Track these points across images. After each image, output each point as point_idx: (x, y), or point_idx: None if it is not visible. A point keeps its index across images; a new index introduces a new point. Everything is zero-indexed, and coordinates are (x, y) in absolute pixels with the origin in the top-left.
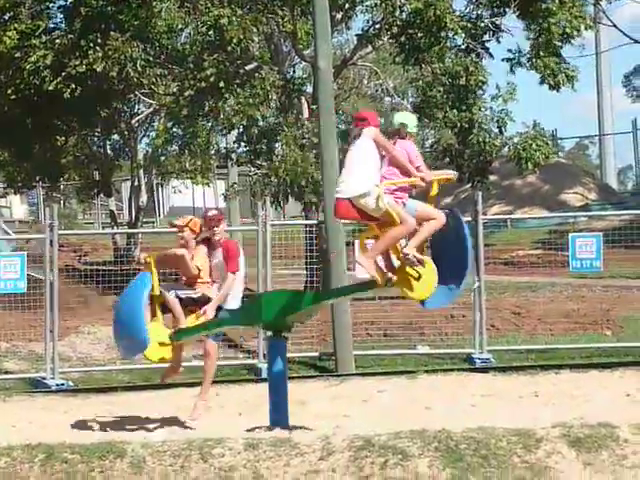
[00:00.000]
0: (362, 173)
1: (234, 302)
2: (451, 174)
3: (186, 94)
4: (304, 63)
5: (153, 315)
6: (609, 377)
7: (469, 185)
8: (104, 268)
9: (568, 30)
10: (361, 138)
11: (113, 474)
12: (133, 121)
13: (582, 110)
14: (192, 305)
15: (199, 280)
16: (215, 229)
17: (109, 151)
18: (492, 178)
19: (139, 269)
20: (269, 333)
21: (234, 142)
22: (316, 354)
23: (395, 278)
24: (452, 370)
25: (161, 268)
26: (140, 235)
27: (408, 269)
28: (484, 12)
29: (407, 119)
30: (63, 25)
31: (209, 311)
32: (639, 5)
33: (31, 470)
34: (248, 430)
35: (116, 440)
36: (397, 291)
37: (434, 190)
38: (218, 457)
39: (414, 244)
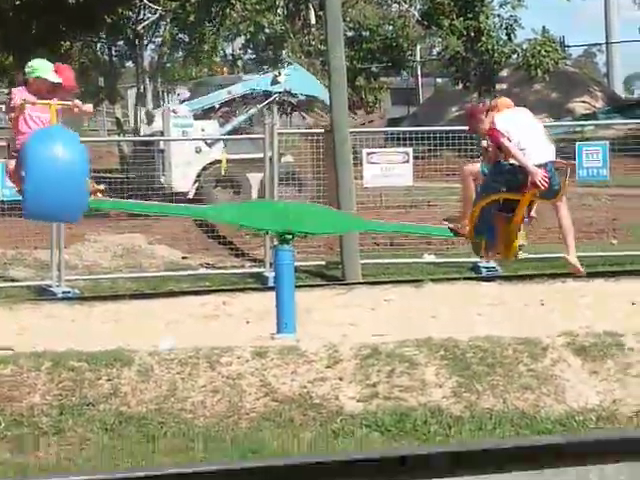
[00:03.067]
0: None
1: None
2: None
3: (192, 0)
4: None
5: None
6: (614, 286)
7: (476, 94)
8: (110, 176)
9: None
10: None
11: (120, 382)
12: (139, 27)
13: (590, 17)
14: None
15: None
16: None
17: (114, 57)
18: (500, 87)
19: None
20: (276, 241)
21: (240, 49)
22: (323, 263)
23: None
24: (458, 279)
25: None
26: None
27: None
28: None
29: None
30: None
31: None
32: None
33: (37, 378)
34: (255, 338)
35: (123, 348)
36: (406, 200)
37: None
38: (226, 365)
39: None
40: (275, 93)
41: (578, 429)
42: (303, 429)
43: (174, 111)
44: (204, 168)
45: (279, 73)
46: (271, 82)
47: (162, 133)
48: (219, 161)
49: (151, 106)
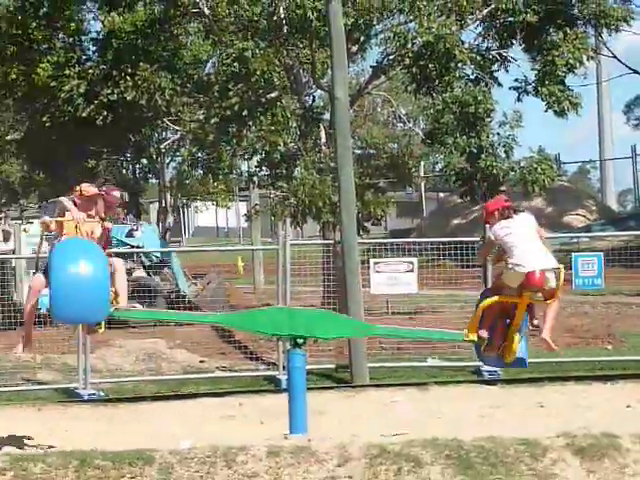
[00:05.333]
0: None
1: None
2: None
3: (211, 121)
4: (322, 92)
5: None
6: (611, 389)
7: (482, 206)
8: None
9: (571, 61)
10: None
11: None
12: (161, 146)
13: (584, 135)
14: None
15: None
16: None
17: (138, 174)
18: None
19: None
20: (289, 346)
21: (256, 166)
22: (332, 366)
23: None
24: (461, 382)
25: None
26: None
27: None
28: (492, 44)
29: None
30: (95, 56)
31: None
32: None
33: (65, 476)
34: (269, 438)
35: (145, 447)
36: (410, 307)
37: None
38: (242, 464)
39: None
40: (126, 245)
41: None
42: None
43: (24, 230)
44: None
45: (136, 228)
46: (126, 234)
47: (13, 252)
48: None
49: (172, 219)
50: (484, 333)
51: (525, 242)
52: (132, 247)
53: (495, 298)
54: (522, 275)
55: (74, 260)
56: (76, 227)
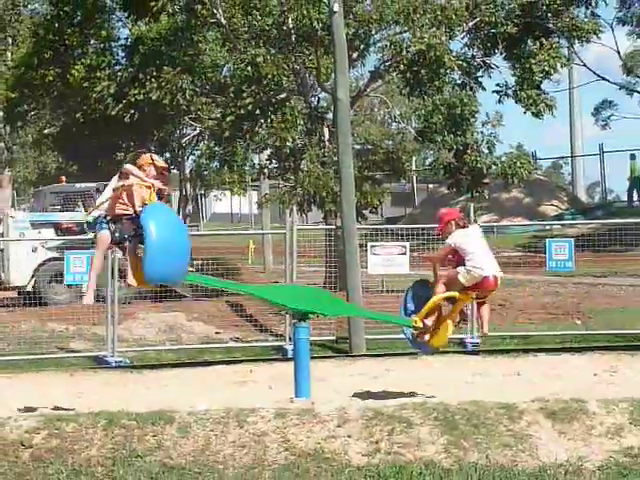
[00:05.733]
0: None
1: None
2: None
3: (227, 119)
4: (326, 94)
5: None
6: (579, 359)
7: (467, 196)
8: None
9: (547, 68)
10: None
11: (164, 438)
12: (182, 141)
13: (557, 134)
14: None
15: None
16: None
17: None
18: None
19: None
20: (295, 320)
21: (267, 159)
22: (333, 338)
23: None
24: (448, 352)
25: None
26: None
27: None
28: (477, 52)
29: None
30: (124, 60)
31: None
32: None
33: (94, 434)
34: (277, 402)
35: (166, 409)
36: (403, 286)
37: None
38: (252, 424)
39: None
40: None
41: None
42: (317, 479)
43: (12, 216)
44: (42, 264)
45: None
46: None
47: (2, 235)
48: (56, 258)
49: (190, 207)
50: (428, 322)
51: (481, 249)
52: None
53: (448, 294)
54: (480, 277)
55: (169, 224)
56: (150, 192)
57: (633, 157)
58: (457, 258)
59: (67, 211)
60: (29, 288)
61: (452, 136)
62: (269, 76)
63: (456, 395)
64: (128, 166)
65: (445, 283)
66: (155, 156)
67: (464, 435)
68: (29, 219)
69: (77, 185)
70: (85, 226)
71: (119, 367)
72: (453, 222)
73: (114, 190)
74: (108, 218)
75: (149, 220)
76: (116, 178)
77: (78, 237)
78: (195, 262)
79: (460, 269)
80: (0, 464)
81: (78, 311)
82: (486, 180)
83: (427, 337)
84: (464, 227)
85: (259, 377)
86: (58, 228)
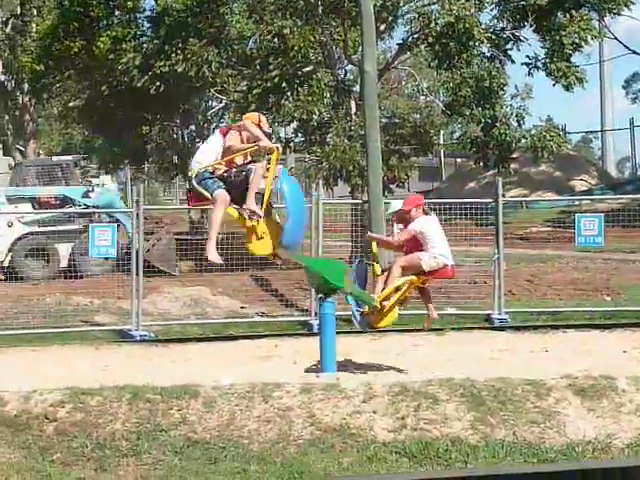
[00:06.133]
0: None
1: None
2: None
3: (254, 92)
4: (353, 67)
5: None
6: (608, 336)
7: (494, 171)
8: (181, 237)
9: (577, 41)
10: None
11: (188, 412)
12: (207, 114)
13: (587, 108)
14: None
15: None
16: None
17: (186, 139)
18: (513, 166)
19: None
20: (320, 295)
21: (293, 133)
22: None
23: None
24: (475, 328)
25: None
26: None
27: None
28: (506, 25)
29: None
30: (150, 32)
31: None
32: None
33: (119, 408)
34: (302, 377)
35: (191, 383)
36: None
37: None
38: (277, 399)
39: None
40: (82, 205)
41: (578, 459)
42: (342, 455)
43: None
44: (19, 238)
45: (92, 189)
46: (82, 194)
47: None
48: (33, 233)
49: None
50: (386, 303)
51: (442, 237)
52: (87, 207)
53: (408, 278)
54: (442, 265)
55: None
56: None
57: None
58: (410, 245)
59: (46, 185)
60: (6, 263)
61: (480, 109)
62: (296, 48)
63: (482, 372)
64: (248, 124)
65: (403, 266)
66: (263, 118)
67: (491, 412)
68: (5, 194)
69: (54, 158)
70: (193, 182)
71: (144, 341)
72: (421, 208)
73: (226, 149)
74: (216, 174)
75: (296, 188)
76: (219, 135)
77: (59, 210)
78: (219, 235)
79: (423, 255)
80: (24, 437)
81: (103, 284)
82: (515, 155)
83: (374, 317)
84: (427, 215)
85: (284, 352)
86: (37, 202)
